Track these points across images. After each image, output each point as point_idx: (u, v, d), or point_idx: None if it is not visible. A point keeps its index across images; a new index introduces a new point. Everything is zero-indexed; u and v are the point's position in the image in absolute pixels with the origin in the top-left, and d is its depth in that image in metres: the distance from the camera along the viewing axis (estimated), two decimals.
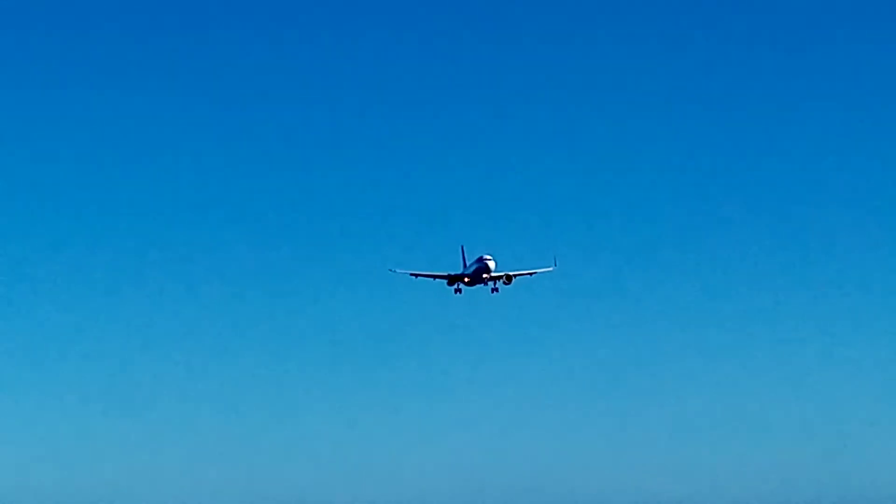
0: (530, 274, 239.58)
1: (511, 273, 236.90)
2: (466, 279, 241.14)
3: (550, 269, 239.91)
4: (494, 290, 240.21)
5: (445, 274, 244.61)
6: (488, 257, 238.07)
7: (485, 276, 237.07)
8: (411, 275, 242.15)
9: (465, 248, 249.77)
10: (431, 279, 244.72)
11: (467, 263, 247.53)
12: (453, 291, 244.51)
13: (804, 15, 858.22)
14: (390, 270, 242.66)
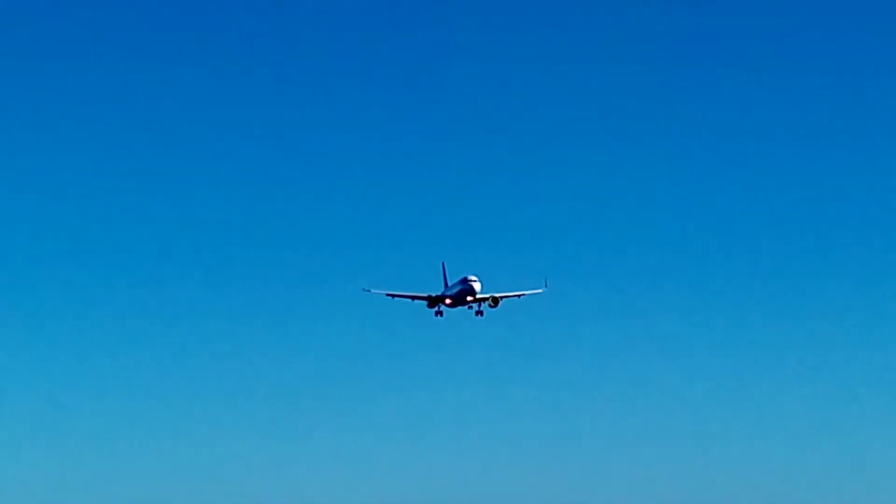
0: (518, 296, 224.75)
1: (497, 295, 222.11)
2: (448, 301, 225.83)
3: (540, 290, 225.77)
4: (479, 313, 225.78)
5: (426, 295, 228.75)
6: (473, 278, 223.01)
7: (469, 298, 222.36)
8: (387, 295, 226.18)
9: (446, 266, 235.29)
10: (410, 300, 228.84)
11: (449, 283, 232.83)
12: (434, 314, 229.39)
13: (804, 14, 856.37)
14: (365, 290, 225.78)
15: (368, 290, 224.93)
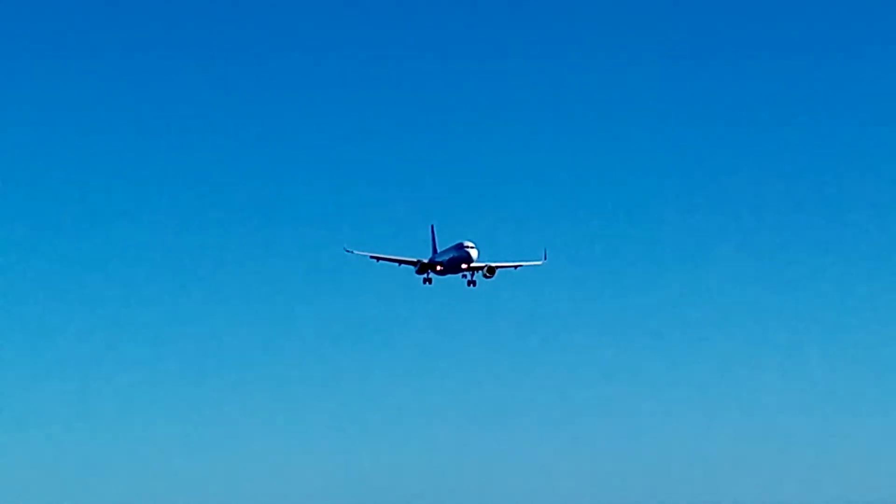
0: (515, 267, 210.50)
1: (494, 264, 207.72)
2: (439, 267, 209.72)
3: (539, 262, 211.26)
4: (471, 283, 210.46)
5: (414, 260, 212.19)
6: (470, 244, 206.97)
7: (464, 265, 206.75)
8: (372, 258, 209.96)
9: (435, 230, 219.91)
10: (396, 264, 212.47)
11: (438, 249, 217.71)
12: (422, 281, 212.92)
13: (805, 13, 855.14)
14: (346, 251, 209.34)
15: (350, 252, 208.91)
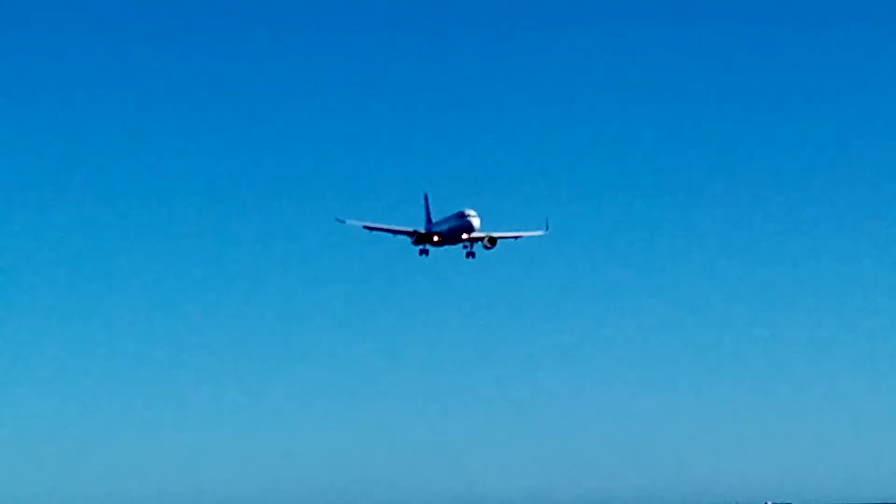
0: (516, 237, 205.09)
1: (495, 235, 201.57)
2: (436, 238, 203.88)
3: (541, 233, 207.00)
4: (470, 254, 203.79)
5: (411, 230, 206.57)
6: (471, 212, 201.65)
7: (465, 235, 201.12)
8: (365, 228, 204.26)
9: (429, 199, 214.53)
10: (391, 234, 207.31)
11: (433, 219, 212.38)
12: (418, 253, 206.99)
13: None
14: (339, 221, 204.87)
15: (343, 221, 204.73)
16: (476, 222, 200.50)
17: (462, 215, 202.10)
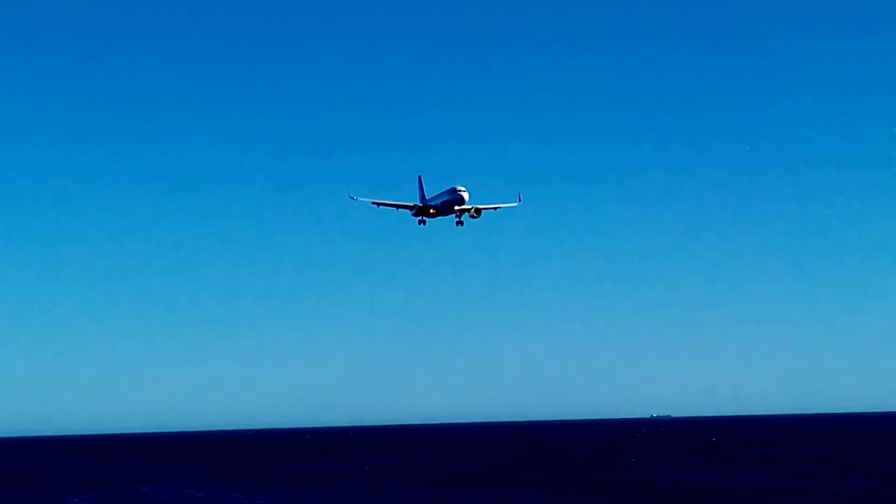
0: (495, 208, 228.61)
1: (480, 206, 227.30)
2: (432, 210, 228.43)
3: (514, 204, 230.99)
4: (460, 222, 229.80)
5: (412, 204, 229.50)
6: (462, 188, 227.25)
7: (456, 207, 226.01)
8: (373, 203, 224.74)
9: (423, 180, 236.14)
10: (394, 209, 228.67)
11: (427, 196, 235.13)
12: (417, 223, 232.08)
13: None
14: (350, 197, 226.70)
15: (354, 198, 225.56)
16: (466, 196, 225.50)
17: (454, 191, 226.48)
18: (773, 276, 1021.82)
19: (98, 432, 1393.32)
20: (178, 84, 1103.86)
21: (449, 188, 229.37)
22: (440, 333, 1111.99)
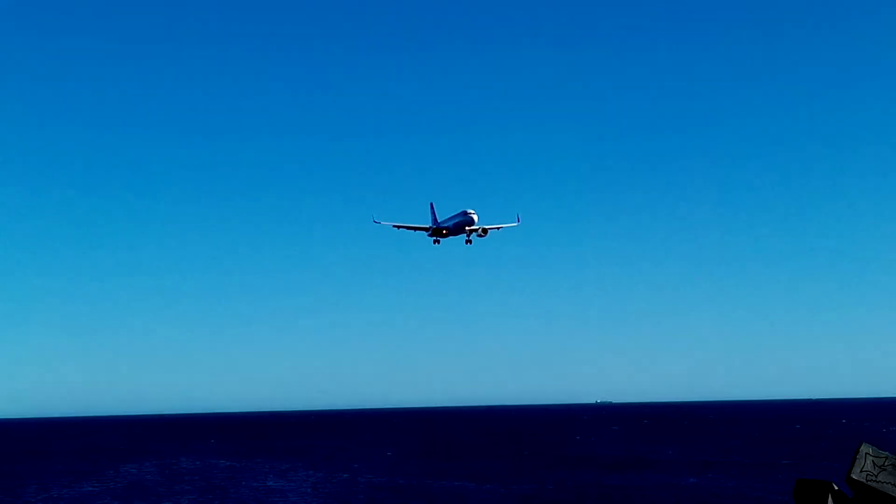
0: (498, 228, 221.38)
1: (486, 227, 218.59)
2: (445, 231, 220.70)
3: (515, 224, 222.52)
4: (468, 241, 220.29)
5: (427, 226, 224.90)
6: (472, 211, 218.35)
7: (467, 228, 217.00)
8: (394, 226, 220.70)
9: (434, 206, 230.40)
10: (412, 231, 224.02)
11: (438, 218, 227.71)
12: (432, 242, 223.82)
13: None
14: (375, 222, 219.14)
15: (378, 222, 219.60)
16: (476, 218, 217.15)
17: (465, 213, 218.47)
18: (699, 275, 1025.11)
19: (147, 412, 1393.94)
20: (216, 117, 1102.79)
21: (460, 211, 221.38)
22: (412, 330, 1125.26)
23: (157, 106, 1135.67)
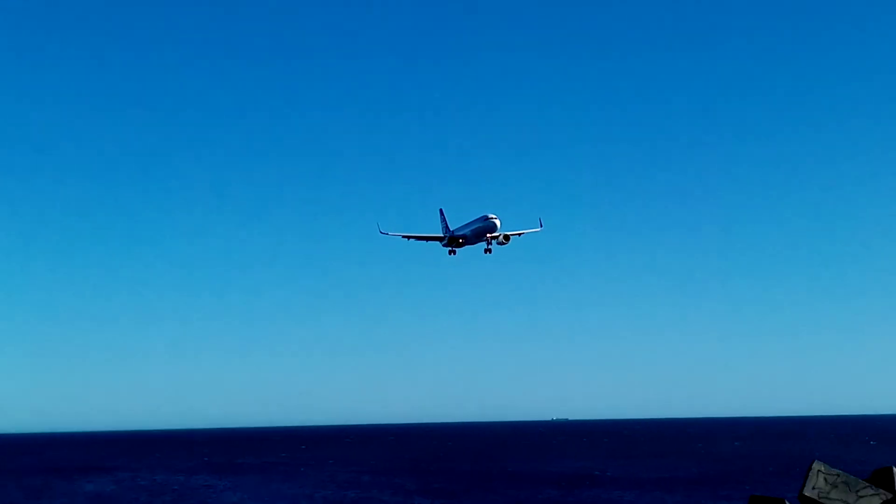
0: (520, 234, 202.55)
1: (509, 233, 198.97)
2: (462, 240, 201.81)
3: (537, 229, 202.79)
4: (488, 250, 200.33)
5: (441, 235, 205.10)
6: (493, 216, 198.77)
7: (488, 234, 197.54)
8: (403, 237, 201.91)
9: (444, 212, 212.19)
10: (424, 241, 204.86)
11: (450, 227, 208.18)
12: (448, 252, 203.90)
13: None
14: (381, 233, 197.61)
15: (385, 233, 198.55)
16: (498, 223, 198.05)
17: (486, 218, 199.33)
18: (656, 293, 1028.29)
19: (114, 429, 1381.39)
20: (219, 131, 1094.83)
21: (480, 216, 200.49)
22: (365, 348, 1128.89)
23: (157, 106, 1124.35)
